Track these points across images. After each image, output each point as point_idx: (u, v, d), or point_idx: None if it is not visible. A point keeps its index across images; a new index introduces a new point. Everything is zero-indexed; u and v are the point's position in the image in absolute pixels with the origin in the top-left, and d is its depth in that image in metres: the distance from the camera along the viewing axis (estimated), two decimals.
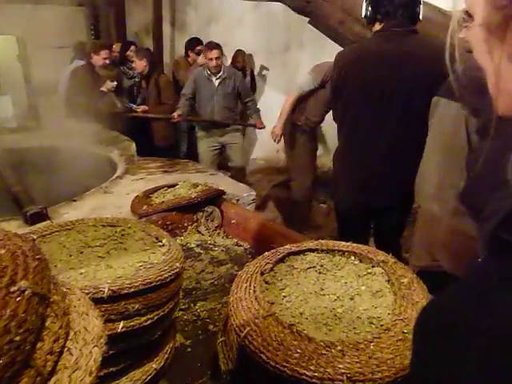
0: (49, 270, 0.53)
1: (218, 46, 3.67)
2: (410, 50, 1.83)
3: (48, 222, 1.96)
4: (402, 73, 1.76)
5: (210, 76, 3.69)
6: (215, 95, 3.75)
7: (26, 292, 0.46)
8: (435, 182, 1.54)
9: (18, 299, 0.45)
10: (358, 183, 2.08)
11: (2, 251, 0.53)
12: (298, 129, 3.52)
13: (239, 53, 5.25)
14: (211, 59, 3.57)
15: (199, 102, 3.85)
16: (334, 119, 2.26)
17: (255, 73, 5.58)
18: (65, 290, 0.59)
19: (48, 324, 0.49)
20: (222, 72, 3.69)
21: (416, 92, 1.80)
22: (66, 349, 0.49)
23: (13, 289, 0.46)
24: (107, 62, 4.10)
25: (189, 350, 1.31)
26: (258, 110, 4.06)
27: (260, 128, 4.05)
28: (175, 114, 3.79)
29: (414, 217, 2.80)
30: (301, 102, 3.43)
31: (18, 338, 0.42)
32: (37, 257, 0.53)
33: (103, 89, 4.07)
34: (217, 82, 3.71)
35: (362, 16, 1.99)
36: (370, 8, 1.94)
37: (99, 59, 4.04)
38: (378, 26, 1.96)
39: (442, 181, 1.51)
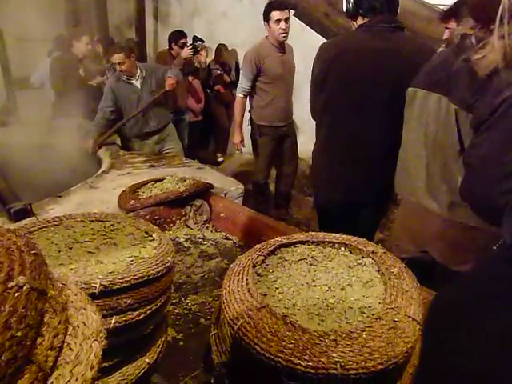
0: (45, 265, 0.52)
1: (122, 50, 3.12)
2: (396, 47, 1.80)
3: (33, 218, 1.93)
4: (387, 70, 1.73)
5: (129, 79, 3.24)
6: (142, 98, 3.27)
7: (24, 287, 0.45)
8: (424, 177, 1.52)
9: (16, 295, 0.44)
10: (338, 181, 2.01)
11: None
12: (257, 127, 3.30)
13: (221, 47, 5.21)
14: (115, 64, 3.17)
15: (126, 110, 3.30)
16: (312, 115, 2.13)
17: (240, 66, 5.56)
18: (61, 285, 0.58)
19: (47, 319, 0.48)
20: (139, 71, 3.25)
21: (400, 91, 1.77)
22: (65, 344, 0.49)
23: (11, 284, 0.45)
24: (90, 47, 3.95)
25: (181, 343, 1.31)
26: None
27: (171, 85, 3.31)
28: (89, 146, 3.10)
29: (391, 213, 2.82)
30: (251, 99, 3.26)
31: (19, 334, 0.41)
32: (32, 252, 0.53)
33: (92, 83, 3.99)
34: (138, 83, 3.26)
35: (344, 10, 1.94)
36: (351, 2, 1.88)
37: (82, 45, 3.91)
38: (361, 20, 1.89)
39: (432, 175, 1.49)
